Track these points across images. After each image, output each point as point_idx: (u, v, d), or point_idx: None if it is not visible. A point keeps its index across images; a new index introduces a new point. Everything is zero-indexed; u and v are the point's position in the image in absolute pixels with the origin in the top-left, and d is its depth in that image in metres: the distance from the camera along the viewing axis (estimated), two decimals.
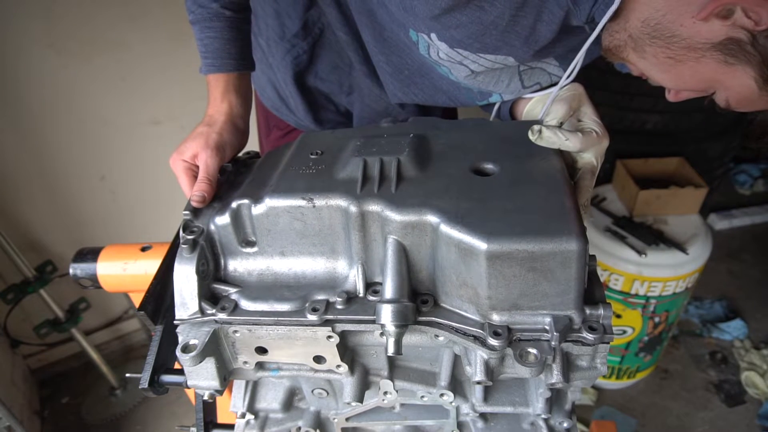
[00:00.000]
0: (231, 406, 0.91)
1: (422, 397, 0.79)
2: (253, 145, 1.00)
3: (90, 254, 0.98)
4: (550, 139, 0.76)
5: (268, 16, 1.13)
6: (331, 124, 1.24)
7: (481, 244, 0.59)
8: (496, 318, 0.64)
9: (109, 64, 1.97)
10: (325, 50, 1.13)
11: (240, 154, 0.93)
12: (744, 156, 3.59)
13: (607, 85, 2.16)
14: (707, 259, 1.95)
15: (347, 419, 0.88)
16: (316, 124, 1.23)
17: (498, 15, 0.75)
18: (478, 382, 0.66)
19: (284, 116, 1.27)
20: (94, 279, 0.98)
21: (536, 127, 0.77)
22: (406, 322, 0.63)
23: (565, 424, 0.84)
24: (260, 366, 0.76)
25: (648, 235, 1.95)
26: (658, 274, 1.90)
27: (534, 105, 0.96)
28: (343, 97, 1.20)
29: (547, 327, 0.63)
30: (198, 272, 0.70)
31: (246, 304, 0.70)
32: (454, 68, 0.92)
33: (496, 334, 0.62)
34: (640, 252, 1.90)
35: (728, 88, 0.68)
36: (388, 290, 0.65)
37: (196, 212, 0.77)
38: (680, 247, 1.90)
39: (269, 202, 0.70)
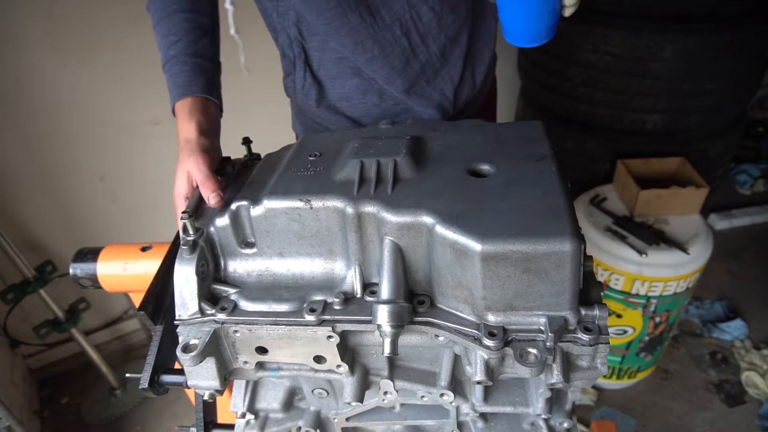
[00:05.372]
0: (231, 406, 0.91)
1: (422, 397, 0.79)
2: None
3: (90, 254, 0.99)
4: None
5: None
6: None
7: (475, 245, 0.59)
8: (491, 318, 0.64)
9: (109, 64, 1.98)
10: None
11: (241, 158, 0.93)
12: (744, 156, 3.58)
13: (608, 85, 2.15)
14: (708, 259, 1.95)
15: (347, 419, 0.89)
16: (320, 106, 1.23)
17: None
18: (479, 382, 0.66)
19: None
20: (94, 279, 0.98)
21: None
22: (401, 322, 0.64)
23: (566, 425, 0.84)
24: (260, 366, 0.76)
25: (649, 234, 1.95)
26: (658, 273, 1.90)
27: None
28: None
29: (542, 327, 0.63)
30: (198, 273, 0.70)
31: (245, 305, 0.71)
32: None
33: (491, 335, 0.62)
34: (640, 252, 1.89)
35: None
36: (385, 291, 0.65)
37: (196, 214, 0.77)
38: (681, 246, 1.90)
39: (267, 204, 0.70)
